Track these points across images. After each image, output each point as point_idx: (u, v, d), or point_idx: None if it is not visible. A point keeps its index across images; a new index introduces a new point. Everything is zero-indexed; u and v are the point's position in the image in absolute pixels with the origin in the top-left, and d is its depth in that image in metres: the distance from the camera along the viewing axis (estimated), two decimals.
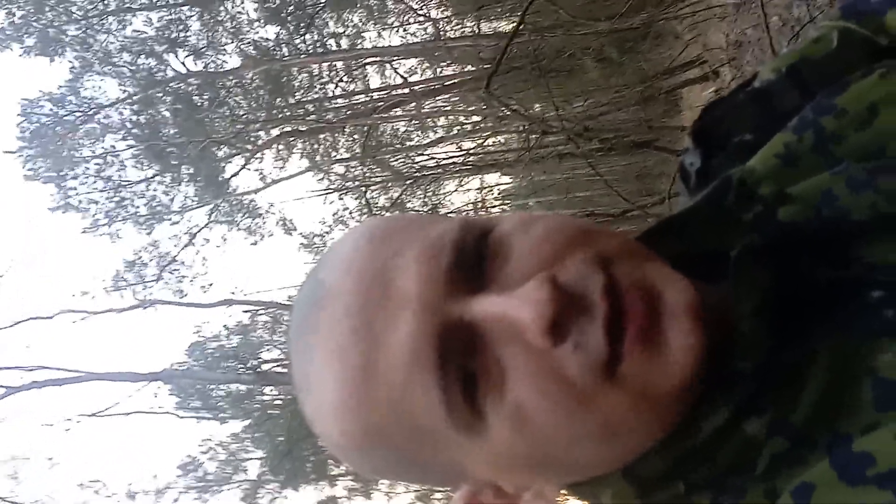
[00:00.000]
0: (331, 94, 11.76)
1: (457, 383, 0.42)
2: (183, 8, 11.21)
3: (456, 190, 11.91)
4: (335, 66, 11.75)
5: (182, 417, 9.84)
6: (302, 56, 11.29)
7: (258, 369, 9.30)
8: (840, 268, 0.46)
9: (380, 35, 11.73)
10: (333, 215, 11.48)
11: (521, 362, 0.41)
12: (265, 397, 10.10)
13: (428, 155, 10.63)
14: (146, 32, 11.55)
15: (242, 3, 11.09)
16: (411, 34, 11.47)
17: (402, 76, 10.55)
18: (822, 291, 0.46)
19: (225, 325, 9.78)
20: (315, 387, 0.46)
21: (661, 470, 0.45)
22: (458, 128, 11.33)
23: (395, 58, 11.07)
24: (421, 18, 11.10)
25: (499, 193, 12.98)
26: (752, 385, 0.43)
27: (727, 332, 0.43)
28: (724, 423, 0.43)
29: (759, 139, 0.55)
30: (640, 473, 0.46)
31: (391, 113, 10.56)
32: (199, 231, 11.45)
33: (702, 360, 0.41)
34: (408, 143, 11.76)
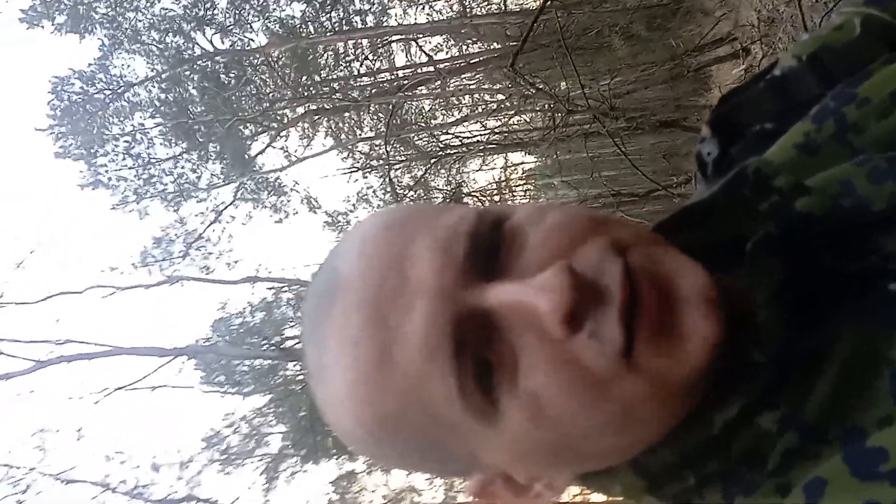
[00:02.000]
0: (356, 73, 11.75)
1: (472, 371, 0.41)
2: None
3: (480, 169, 11.86)
4: (361, 43, 11.72)
5: (206, 392, 10.01)
6: (328, 34, 11.27)
7: (282, 345, 9.40)
8: (858, 259, 0.44)
9: (405, 12, 11.67)
10: (357, 193, 11.53)
11: (536, 351, 0.41)
12: (288, 373, 10.22)
13: (452, 133, 10.57)
14: (174, 10, 11.62)
15: None
16: (437, 11, 11.38)
17: (427, 54, 10.47)
18: (840, 283, 0.44)
19: (249, 302, 9.90)
20: (329, 376, 0.45)
21: (672, 462, 0.45)
22: (483, 106, 11.25)
23: (421, 35, 10.99)
24: None
25: (523, 173, 12.89)
26: (767, 377, 0.42)
27: (742, 322, 0.42)
28: (736, 416, 0.42)
29: (778, 128, 0.54)
30: (651, 465, 0.46)
31: (416, 91, 10.50)
32: (225, 208, 11.58)
33: (717, 346, 0.41)
34: (432, 122, 11.72)
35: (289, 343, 9.56)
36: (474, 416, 0.42)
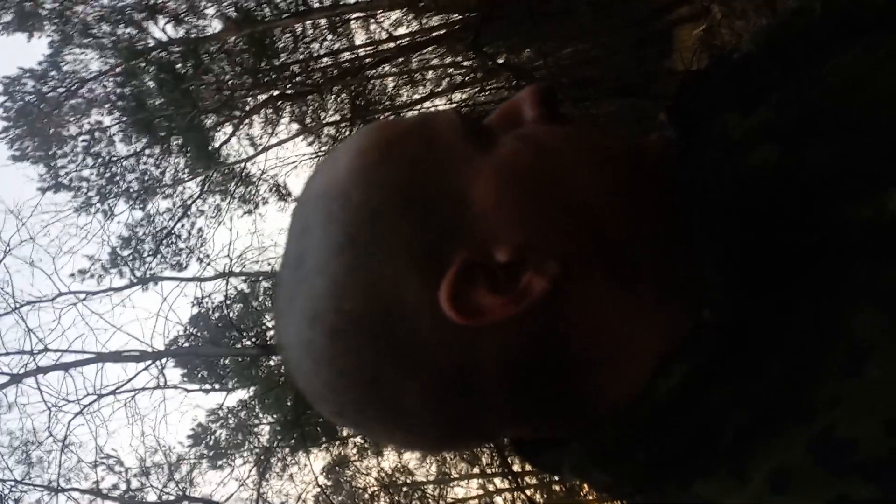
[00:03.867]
0: (316, 54, 11.52)
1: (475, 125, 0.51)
2: None
3: None
4: (319, 24, 11.48)
5: (189, 390, 9.92)
6: (284, 16, 11.01)
7: (262, 337, 9.33)
8: (815, 230, 0.44)
9: None
10: None
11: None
12: (271, 363, 10.15)
13: (419, 111, 10.44)
14: (123, 0, 11.28)
15: None
16: None
17: (387, 31, 10.29)
18: (797, 254, 0.44)
19: (225, 296, 9.78)
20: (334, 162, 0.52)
21: (619, 434, 0.44)
22: (448, 80, 11.12)
23: (380, 11, 10.77)
24: None
25: None
26: (713, 340, 0.42)
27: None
28: (682, 388, 0.42)
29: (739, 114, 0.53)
30: (600, 439, 0.45)
31: (379, 70, 10.34)
32: (192, 202, 11.39)
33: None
34: (398, 100, 11.57)
35: (269, 334, 9.48)
36: (471, 139, 0.49)
